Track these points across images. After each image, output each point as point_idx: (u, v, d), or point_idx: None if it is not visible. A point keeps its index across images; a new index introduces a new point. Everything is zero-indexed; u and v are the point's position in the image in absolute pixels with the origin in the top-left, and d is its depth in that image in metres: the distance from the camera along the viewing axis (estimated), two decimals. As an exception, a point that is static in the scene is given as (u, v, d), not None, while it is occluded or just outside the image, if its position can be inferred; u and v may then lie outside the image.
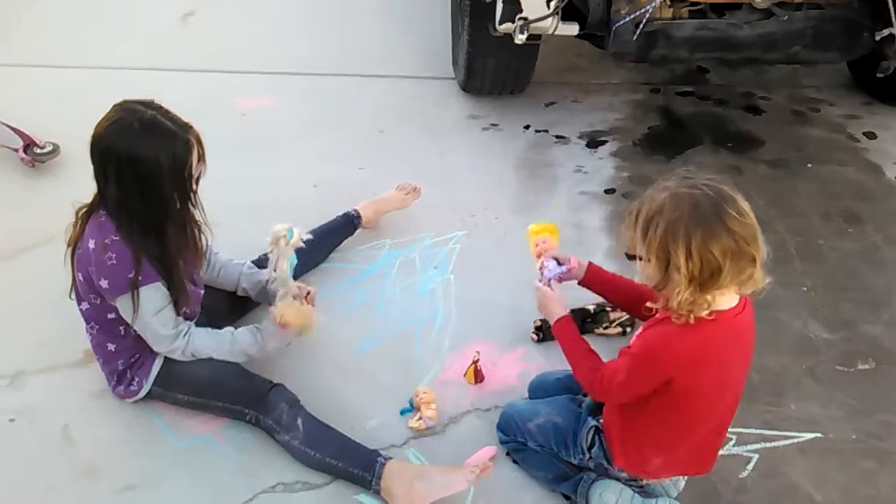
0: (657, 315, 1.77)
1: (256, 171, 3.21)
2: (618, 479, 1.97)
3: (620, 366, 1.79)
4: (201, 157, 2.04)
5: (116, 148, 1.92)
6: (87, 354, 2.31)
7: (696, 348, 1.69)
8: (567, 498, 2.06)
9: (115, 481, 2.08)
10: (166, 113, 1.98)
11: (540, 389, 2.25)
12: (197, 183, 2.07)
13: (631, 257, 1.74)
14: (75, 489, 2.07)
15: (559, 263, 2.10)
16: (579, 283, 2.12)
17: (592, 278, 2.12)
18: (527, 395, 2.27)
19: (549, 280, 2.07)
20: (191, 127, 2.00)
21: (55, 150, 3.17)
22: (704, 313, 1.64)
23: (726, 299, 1.68)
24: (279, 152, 3.36)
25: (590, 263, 2.13)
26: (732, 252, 1.58)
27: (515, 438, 2.10)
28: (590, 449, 1.96)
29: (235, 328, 2.25)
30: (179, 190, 2.01)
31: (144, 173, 1.93)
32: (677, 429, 1.84)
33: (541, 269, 2.10)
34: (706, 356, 1.71)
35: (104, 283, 2.01)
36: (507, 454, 2.14)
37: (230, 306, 2.43)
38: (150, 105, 1.98)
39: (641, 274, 1.71)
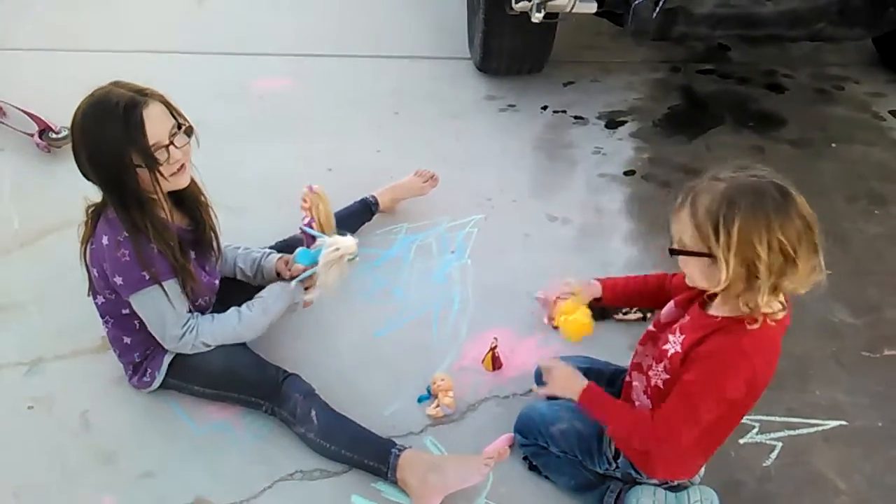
0: (705, 321, 1.67)
1: (272, 155, 3.19)
2: (647, 483, 1.93)
3: (679, 402, 1.66)
4: (180, 123, 1.95)
5: (74, 130, 1.93)
6: (105, 341, 2.30)
7: (769, 349, 1.64)
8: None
9: (133, 467, 2.09)
10: (125, 84, 1.93)
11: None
12: (168, 151, 1.93)
13: (677, 252, 1.61)
14: (94, 475, 2.07)
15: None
16: (603, 303, 2.03)
17: (612, 294, 2.02)
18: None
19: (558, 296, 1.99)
20: (148, 91, 1.92)
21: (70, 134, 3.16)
22: (781, 314, 1.60)
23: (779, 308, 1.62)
24: (295, 135, 3.34)
25: (603, 281, 2.03)
26: (805, 238, 1.52)
27: (536, 442, 2.04)
28: (616, 458, 1.92)
29: None
30: (141, 153, 1.88)
31: (98, 146, 1.89)
32: (726, 431, 1.82)
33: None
34: (771, 356, 1.66)
35: (118, 280, 2.00)
36: (525, 458, 2.08)
37: (243, 294, 2.41)
38: (113, 83, 1.93)
39: (705, 275, 1.58)
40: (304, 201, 2.27)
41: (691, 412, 1.66)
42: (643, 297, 2.05)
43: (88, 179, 1.98)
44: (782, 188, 1.53)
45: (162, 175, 1.93)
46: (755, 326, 1.59)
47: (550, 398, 2.17)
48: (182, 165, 1.98)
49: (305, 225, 2.27)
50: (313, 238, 2.24)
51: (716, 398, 1.64)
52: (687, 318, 1.74)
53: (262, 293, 2.23)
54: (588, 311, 1.95)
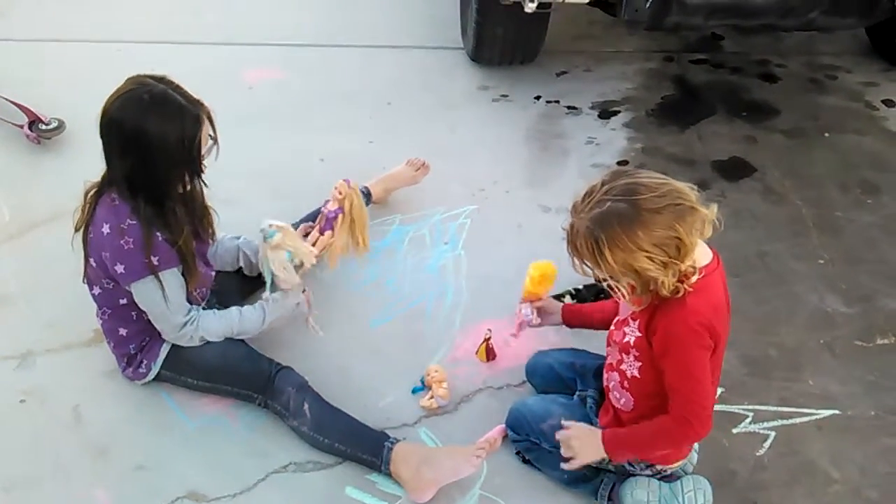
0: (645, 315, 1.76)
1: (264, 146, 3.17)
2: (640, 475, 1.95)
3: (678, 386, 1.74)
4: (213, 136, 2.01)
5: (124, 121, 1.90)
6: (97, 334, 2.30)
7: (715, 301, 1.72)
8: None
9: (126, 461, 2.08)
10: (178, 88, 1.96)
11: (536, 375, 2.23)
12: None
13: (600, 281, 1.72)
14: (87, 469, 2.06)
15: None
16: (567, 325, 2.19)
17: (571, 318, 2.17)
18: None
19: (524, 324, 2.19)
20: (202, 103, 1.98)
21: (60, 126, 3.14)
22: (695, 277, 1.67)
23: (701, 254, 1.71)
24: (286, 126, 3.32)
25: (563, 306, 2.17)
26: (674, 220, 1.60)
27: (528, 438, 2.05)
28: None
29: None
30: (188, 166, 1.98)
31: (151, 147, 1.90)
32: (719, 371, 1.86)
33: (519, 312, 2.19)
34: (718, 309, 1.74)
35: (120, 268, 1.99)
36: (518, 453, 2.09)
37: (239, 286, 2.42)
38: (161, 80, 1.95)
39: (621, 292, 1.70)
40: (339, 192, 2.40)
41: (696, 383, 1.73)
42: (602, 319, 2.07)
43: (112, 166, 1.97)
44: (630, 199, 1.60)
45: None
46: (688, 289, 1.67)
47: (543, 391, 2.19)
48: None
49: (330, 213, 2.40)
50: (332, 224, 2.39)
51: (698, 358, 1.72)
52: (633, 307, 1.82)
53: (266, 297, 2.24)
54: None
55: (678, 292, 1.66)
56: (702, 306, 1.69)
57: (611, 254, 1.60)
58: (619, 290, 1.69)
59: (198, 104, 1.96)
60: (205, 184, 2.09)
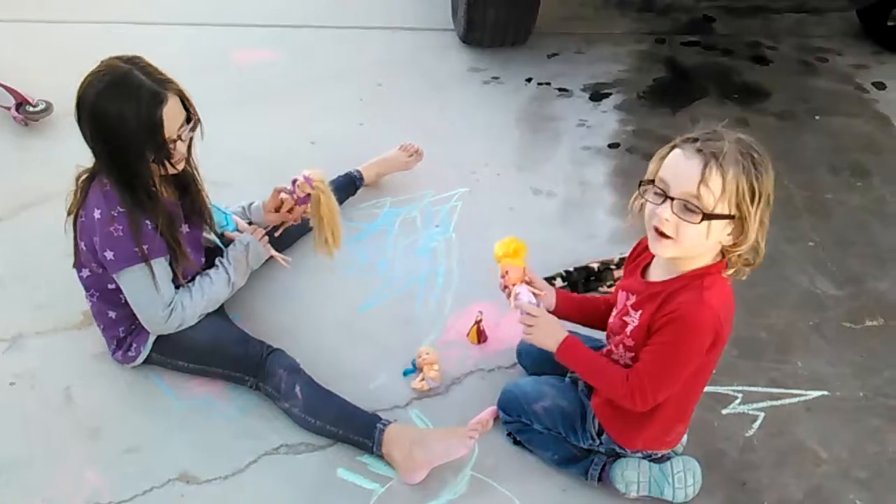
0: (666, 285, 1.71)
1: (254, 128, 3.15)
2: (631, 457, 1.96)
3: (654, 360, 1.72)
4: (189, 118, 1.96)
5: (85, 103, 1.87)
6: (87, 316, 2.29)
7: (727, 301, 1.71)
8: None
9: (117, 443, 2.07)
10: (144, 68, 1.89)
11: (527, 357, 2.22)
12: (190, 142, 2.00)
13: (712, 217, 1.58)
14: (78, 451, 2.06)
15: (531, 286, 1.93)
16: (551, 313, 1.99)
17: (563, 304, 2.00)
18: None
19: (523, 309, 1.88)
20: (169, 82, 1.91)
21: (48, 108, 3.12)
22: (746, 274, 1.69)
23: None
24: (276, 108, 3.30)
25: (557, 290, 2.01)
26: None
27: (520, 419, 2.04)
28: (599, 435, 1.94)
29: None
30: (153, 147, 1.90)
31: (112, 128, 1.86)
32: (697, 389, 1.86)
33: (509, 297, 1.91)
34: (731, 307, 1.73)
35: (109, 255, 1.97)
36: (509, 434, 2.09)
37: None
38: (129, 60, 1.90)
39: (717, 238, 1.61)
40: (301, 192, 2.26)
41: (668, 371, 1.72)
42: (588, 310, 2.03)
43: (92, 151, 1.95)
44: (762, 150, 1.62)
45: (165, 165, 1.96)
46: (729, 272, 1.68)
47: (534, 373, 2.19)
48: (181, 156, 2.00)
49: (301, 198, 2.27)
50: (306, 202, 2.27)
51: (689, 353, 1.69)
52: (634, 296, 1.79)
53: (226, 255, 2.25)
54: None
55: (722, 268, 1.66)
56: (716, 303, 1.66)
57: (765, 182, 1.57)
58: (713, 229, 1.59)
59: (163, 82, 1.89)
60: (191, 165, 2.06)
